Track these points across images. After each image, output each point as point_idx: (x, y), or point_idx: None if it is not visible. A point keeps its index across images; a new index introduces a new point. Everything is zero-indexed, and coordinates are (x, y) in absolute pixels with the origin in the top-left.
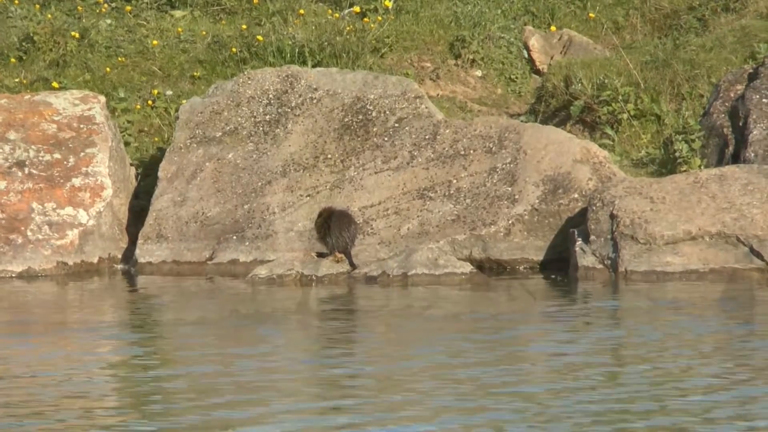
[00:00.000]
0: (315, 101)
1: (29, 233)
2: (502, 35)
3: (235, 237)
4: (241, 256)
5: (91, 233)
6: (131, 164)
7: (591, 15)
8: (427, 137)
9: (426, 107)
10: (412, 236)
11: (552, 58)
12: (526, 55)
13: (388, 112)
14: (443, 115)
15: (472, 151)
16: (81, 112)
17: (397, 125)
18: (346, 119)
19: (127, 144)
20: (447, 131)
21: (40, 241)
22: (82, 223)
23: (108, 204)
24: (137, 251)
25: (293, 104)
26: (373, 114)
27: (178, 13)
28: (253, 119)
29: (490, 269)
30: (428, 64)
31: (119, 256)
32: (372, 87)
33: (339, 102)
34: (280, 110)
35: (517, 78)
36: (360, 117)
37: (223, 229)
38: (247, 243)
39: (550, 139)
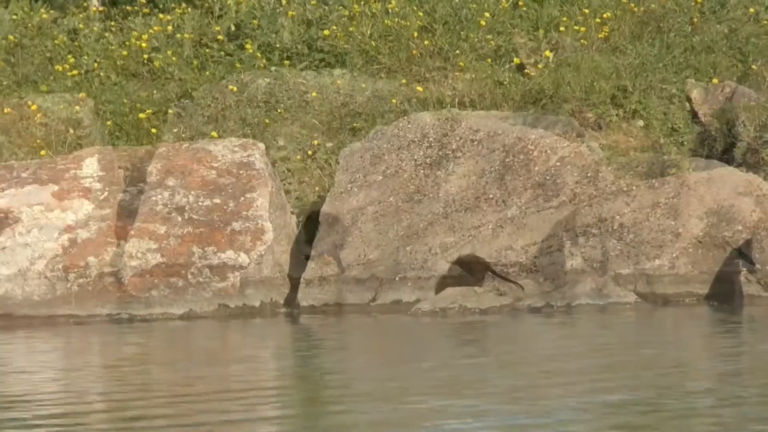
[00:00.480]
0: (476, 143)
1: (190, 276)
2: (664, 86)
3: (397, 278)
4: (404, 296)
5: (252, 276)
6: (292, 212)
7: (753, 67)
8: (589, 175)
9: (587, 146)
10: (576, 272)
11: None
12: (688, 108)
13: (549, 152)
14: (604, 153)
15: (634, 187)
16: (240, 159)
17: (558, 164)
18: (507, 159)
19: (287, 192)
20: (609, 169)
21: (201, 284)
22: (243, 266)
23: (269, 248)
24: (299, 294)
25: (454, 146)
26: (534, 153)
27: (337, 72)
28: (413, 162)
29: (654, 303)
30: (590, 115)
31: (281, 301)
32: (533, 127)
33: (500, 143)
34: (440, 152)
35: (679, 128)
36: (521, 157)
37: (385, 271)
38: (409, 284)
39: (712, 173)
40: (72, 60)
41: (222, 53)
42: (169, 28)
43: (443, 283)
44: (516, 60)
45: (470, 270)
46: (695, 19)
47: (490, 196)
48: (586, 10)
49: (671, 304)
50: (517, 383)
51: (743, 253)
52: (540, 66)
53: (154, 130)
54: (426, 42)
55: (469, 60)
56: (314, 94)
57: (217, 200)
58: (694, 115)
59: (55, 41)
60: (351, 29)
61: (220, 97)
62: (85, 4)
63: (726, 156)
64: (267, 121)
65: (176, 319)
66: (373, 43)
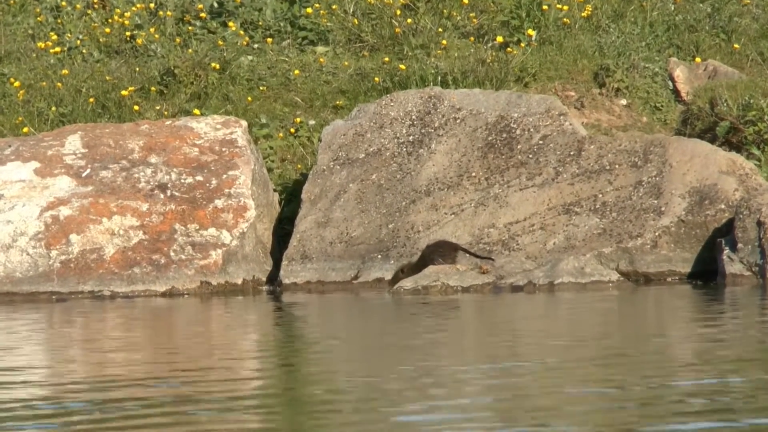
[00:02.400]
0: (458, 121)
1: (172, 254)
2: (647, 65)
3: (380, 256)
4: (387, 274)
5: (234, 254)
6: (274, 190)
7: (736, 46)
8: (571, 153)
9: (570, 124)
10: (558, 250)
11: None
12: (671, 86)
13: (532, 130)
14: (587, 132)
15: (617, 166)
16: (223, 136)
17: (541, 142)
18: (490, 138)
19: (269, 170)
20: (592, 147)
21: (183, 261)
22: (226, 244)
23: (251, 225)
24: (282, 272)
25: (436, 124)
26: (517, 132)
27: (320, 50)
28: (396, 140)
29: (636, 281)
30: (572, 93)
31: (263, 278)
32: (515, 106)
33: (482, 121)
34: (423, 131)
35: (662, 106)
36: (504, 135)
37: (367, 249)
38: (392, 261)
39: (695, 152)
40: (55, 37)
41: (205, 31)
42: (152, 5)
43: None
44: (499, 38)
45: (442, 255)
46: None
47: (473, 174)
48: None
49: (653, 282)
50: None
51: (726, 232)
52: (523, 44)
53: (136, 108)
54: (409, 20)
55: (451, 38)
56: (297, 72)
57: (199, 177)
58: (677, 93)
59: (38, 18)
60: (334, 7)
61: (203, 74)
62: None
63: (709, 135)
64: (249, 98)
65: (158, 296)
66: (355, 21)
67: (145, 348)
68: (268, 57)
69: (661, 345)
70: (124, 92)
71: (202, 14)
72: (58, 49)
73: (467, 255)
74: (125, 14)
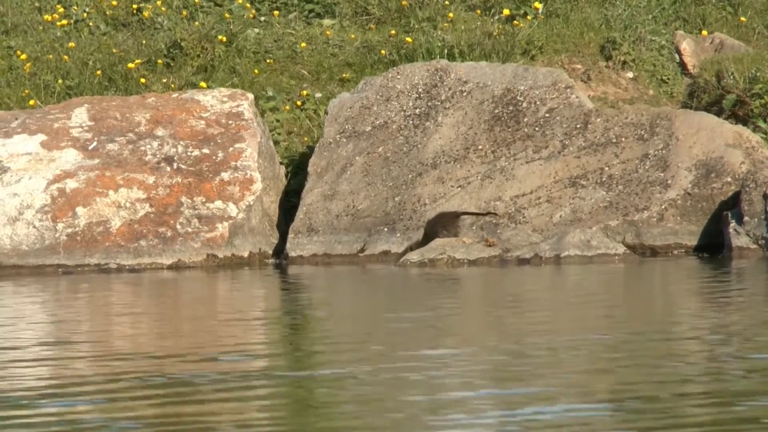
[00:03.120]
0: (465, 94)
1: (178, 226)
2: (653, 38)
3: (386, 229)
4: (393, 247)
5: (240, 226)
6: (281, 163)
7: (742, 19)
8: (578, 126)
9: (576, 97)
10: (565, 223)
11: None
12: (678, 59)
13: (538, 103)
14: (594, 105)
15: (623, 139)
16: (229, 109)
17: (547, 115)
18: (497, 111)
19: (276, 143)
20: (598, 120)
21: (190, 234)
22: (232, 216)
23: (257, 198)
24: (288, 245)
25: (443, 97)
26: (524, 105)
27: (326, 22)
28: (402, 113)
29: (642, 254)
30: (579, 66)
31: (270, 251)
32: (522, 78)
33: (489, 94)
34: (429, 104)
35: (669, 79)
36: (510, 108)
37: (374, 222)
38: (398, 234)
39: (701, 125)
40: (61, 10)
41: (211, 3)
42: None
43: None
44: (505, 11)
45: (444, 226)
46: None
47: (479, 147)
48: None
49: (660, 255)
50: None
51: (732, 205)
52: (530, 17)
53: (143, 80)
54: None
55: (458, 11)
56: (303, 44)
57: (205, 150)
58: (684, 66)
59: None
60: None
61: (209, 47)
62: None
63: (715, 108)
64: (256, 71)
65: (165, 269)
66: None
67: (191, 321)
68: (275, 30)
69: None
70: (130, 65)
71: None
72: (64, 21)
73: (470, 221)
74: None
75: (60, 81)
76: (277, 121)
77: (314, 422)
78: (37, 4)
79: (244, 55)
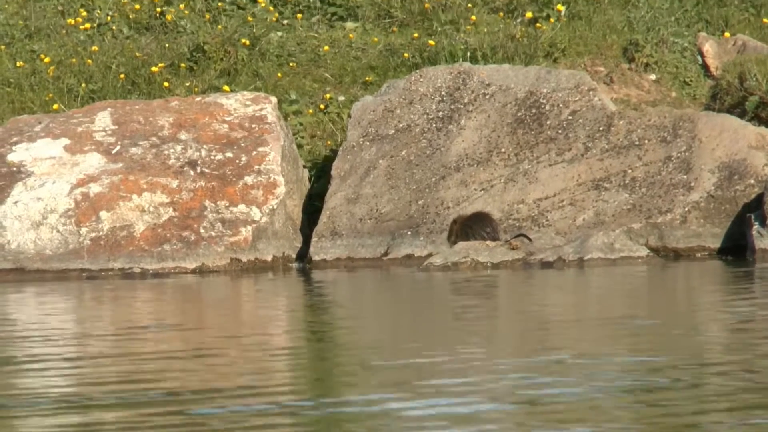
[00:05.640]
0: (488, 97)
1: (202, 230)
2: (676, 40)
3: (409, 232)
4: (417, 250)
5: (264, 230)
6: (304, 167)
7: (765, 21)
8: (601, 129)
9: (599, 99)
10: (588, 226)
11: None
12: (700, 61)
13: (561, 105)
14: (616, 107)
15: (646, 141)
16: (252, 113)
17: (570, 118)
18: (519, 113)
19: (299, 146)
20: (621, 122)
21: (213, 238)
22: (255, 220)
23: (281, 202)
24: (311, 249)
25: (466, 100)
26: (547, 107)
27: (349, 25)
28: (425, 116)
29: (665, 257)
30: (601, 68)
31: (293, 255)
32: (545, 81)
33: (512, 97)
34: (452, 106)
35: (691, 81)
36: (533, 111)
37: (397, 225)
38: (422, 238)
39: (724, 127)
40: (84, 13)
41: (234, 7)
42: None
43: None
44: (528, 14)
45: (484, 230)
46: None
47: (502, 150)
48: None
49: (683, 258)
50: None
51: (755, 207)
52: (552, 20)
53: (166, 84)
54: None
55: (481, 14)
56: (326, 47)
57: (229, 154)
58: (706, 68)
59: None
60: None
61: (233, 50)
62: None
63: (738, 109)
64: (279, 74)
65: (188, 273)
66: None
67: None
68: (298, 33)
69: None
70: (153, 69)
71: None
72: (87, 25)
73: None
74: None
75: (83, 85)
76: (301, 124)
77: None
78: (60, 8)
79: (267, 58)
